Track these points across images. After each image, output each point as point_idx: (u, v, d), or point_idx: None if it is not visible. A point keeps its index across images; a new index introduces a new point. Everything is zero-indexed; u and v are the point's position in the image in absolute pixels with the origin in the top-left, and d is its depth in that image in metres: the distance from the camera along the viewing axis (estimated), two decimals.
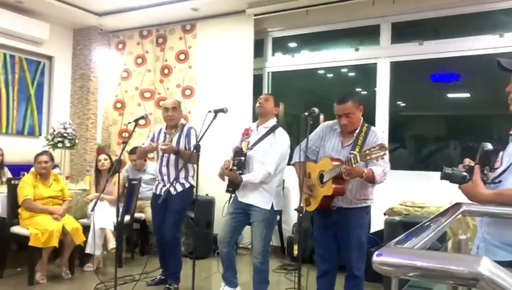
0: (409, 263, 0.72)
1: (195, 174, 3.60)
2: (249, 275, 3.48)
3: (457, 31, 4.72)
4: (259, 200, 3.31)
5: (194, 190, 3.83)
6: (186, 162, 3.68)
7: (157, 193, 3.83)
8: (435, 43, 4.81)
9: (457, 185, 1.74)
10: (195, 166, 3.75)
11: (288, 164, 3.35)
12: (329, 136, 2.95)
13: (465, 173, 1.69)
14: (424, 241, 0.93)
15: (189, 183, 3.81)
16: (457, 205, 1.56)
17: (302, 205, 2.78)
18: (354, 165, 2.52)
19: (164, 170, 3.80)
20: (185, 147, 3.77)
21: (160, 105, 4.00)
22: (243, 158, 3.32)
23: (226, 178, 3.44)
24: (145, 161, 5.24)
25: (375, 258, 0.75)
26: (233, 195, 3.49)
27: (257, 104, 3.46)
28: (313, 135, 3.01)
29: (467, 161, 1.78)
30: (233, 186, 3.39)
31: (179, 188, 3.76)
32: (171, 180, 3.72)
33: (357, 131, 2.84)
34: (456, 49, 4.65)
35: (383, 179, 2.71)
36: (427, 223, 1.17)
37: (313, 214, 3.01)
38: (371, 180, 2.68)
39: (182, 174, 3.78)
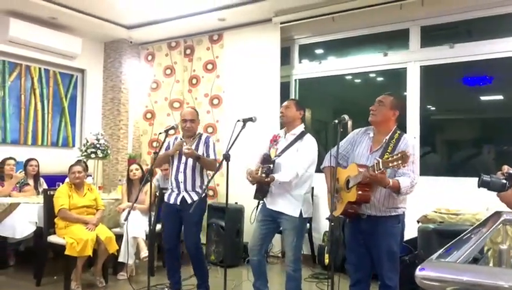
0: (454, 278, 0.69)
1: (209, 183, 3.62)
2: (280, 283, 3.46)
3: (491, 33, 4.60)
4: (287, 207, 3.29)
5: (223, 199, 3.83)
6: (206, 169, 3.75)
7: (171, 202, 3.79)
8: (467, 46, 4.70)
9: (495, 192, 1.69)
10: (209, 175, 3.78)
11: (318, 171, 3.32)
12: (360, 142, 2.91)
13: (504, 181, 1.63)
14: (467, 254, 0.90)
15: (204, 192, 3.76)
16: (498, 214, 1.51)
17: (332, 208, 2.74)
18: (376, 172, 2.47)
19: (181, 176, 3.76)
20: (203, 154, 3.78)
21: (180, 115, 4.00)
22: (271, 165, 3.30)
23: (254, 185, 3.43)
24: None
25: (418, 272, 0.73)
26: (261, 202, 3.48)
27: (280, 114, 3.46)
28: (344, 141, 3.00)
29: (506, 167, 1.71)
30: (262, 192, 3.38)
31: (195, 197, 3.72)
32: (188, 188, 3.73)
33: (388, 137, 2.79)
34: (489, 51, 4.54)
35: (410, 191, 2.64)
36: (467, 235, 1.13)
37: (344, 223, 2.98)
38: (396, 191, 2.62)
39: (198, 182, 3.78)
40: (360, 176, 2.57)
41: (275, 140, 3.50)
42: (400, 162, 2.37)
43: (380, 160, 2.47)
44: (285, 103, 3.49)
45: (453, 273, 0.70)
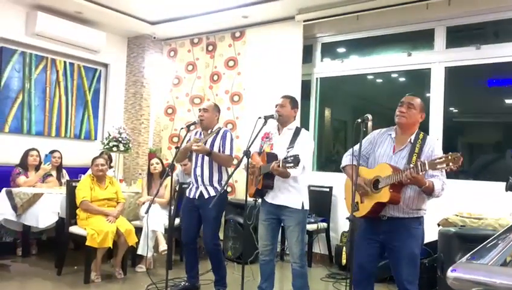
0: (487, 280, 0.68)
1: (228, 180, 3.46)
2: (282, 282, 3.41)
3: None
4: (289, 200, 3.26)
5: (240, 195, 3.82)
6: (219, 164, 3.72)
7: (191, 196, 3.81)
8: (493, 47, 4.61)
9: None
10: (229, 172, 3.77)
11: (337, 170, 3.28)
12: (381, 142, 2.85)
13: None
14: (497, 258, 0.88)
15: (223, 188, 3.68)
16: None
17: (354, 209, 2.69)
18: (420, 173, 2.42)
19: (198, 170, 3.77)
20: (219, 149, 3.75)
21: None
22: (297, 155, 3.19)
23: (257, 182, 3.36)
24: None
25: (449, 273, 0.72)
26: (259, 200, 3.44)
27: (275, 112, 3.39)
28: (364, 140, 2.89)
29: None
30: (267, 188, 3.31)
31: (212, 192, 3.72)
32: (205, 182, 3.73)
33: (413, 138, 2.73)
34: None
35: (441, 194, 2.60)
36: (494, 240, 1.11)
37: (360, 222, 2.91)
38: (430, 192, 2.56)
39: (216, 177, 3.76)
40: (397, 176, 2.50)
41: (266, 137, 3.48)
42: (450, 164, 2.30)
43: (426, 161, 2.41)
44: (281, 101, 3.44)
45: (486, 275, 0.69)
